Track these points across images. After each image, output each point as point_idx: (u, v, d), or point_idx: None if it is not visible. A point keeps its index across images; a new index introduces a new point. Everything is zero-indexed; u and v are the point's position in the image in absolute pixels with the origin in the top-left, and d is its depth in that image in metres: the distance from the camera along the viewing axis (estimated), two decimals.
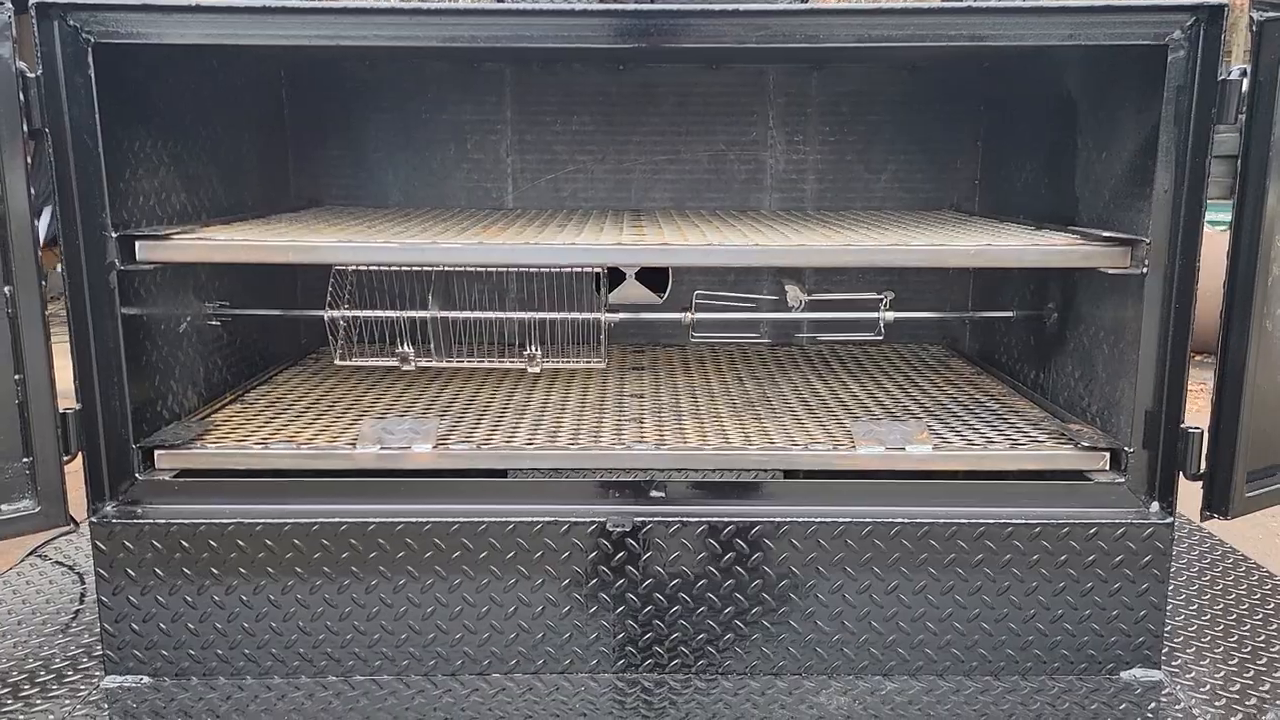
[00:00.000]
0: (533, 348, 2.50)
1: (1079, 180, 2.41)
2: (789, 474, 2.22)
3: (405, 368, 2.51)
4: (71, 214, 1.94)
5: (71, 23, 1.88)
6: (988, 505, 2.05)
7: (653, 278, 3.26)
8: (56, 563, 2.72)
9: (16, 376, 1.88)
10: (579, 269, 2.71)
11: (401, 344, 2.47)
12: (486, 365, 2.66)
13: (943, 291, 3.22)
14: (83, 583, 2.59)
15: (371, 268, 2.66)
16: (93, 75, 1.91)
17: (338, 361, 2.52)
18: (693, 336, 2.67)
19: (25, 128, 1.82)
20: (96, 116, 1.93)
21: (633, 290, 3.27)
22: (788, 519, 2.06)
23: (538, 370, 2.55)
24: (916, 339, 3.28)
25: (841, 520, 2.06)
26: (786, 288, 3.09)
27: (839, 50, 2.24)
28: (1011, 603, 2.06)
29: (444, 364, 2.52)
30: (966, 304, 3.21)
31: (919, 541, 2.05)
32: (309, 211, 2.91)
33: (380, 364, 2.53)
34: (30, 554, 2.76)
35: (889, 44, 1.95)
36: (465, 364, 2.57)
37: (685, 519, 2.07)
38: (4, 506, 1.91)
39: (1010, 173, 2.88)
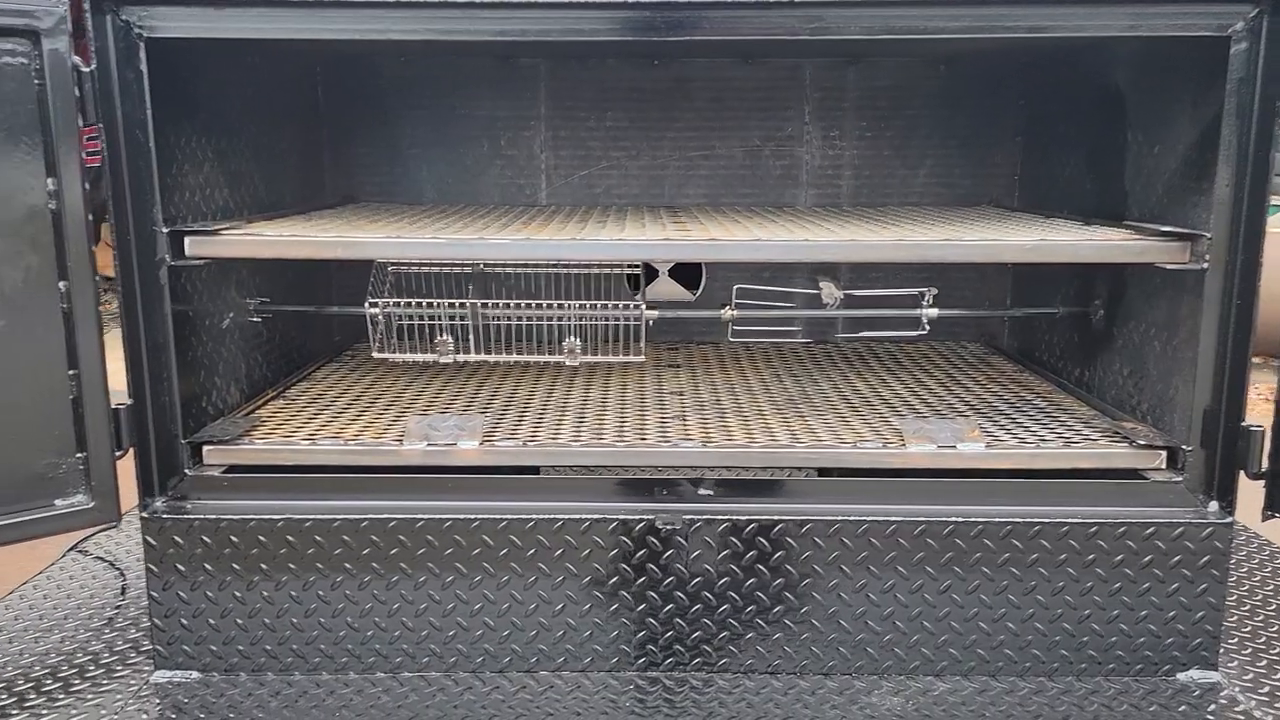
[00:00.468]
0: (573, 338, 2.50)
1: (1129, 175, 2.38)
2: (837, 472, 2.20)
3: (444, 360, 2.51)
4: (124, 209, 1.93)
5: (124, 18, 1.88)
6: (1043, 504, 2.03)
7: (686, 274, 3.25)
8: (97, 558, 2.72)
9: (71, 372, 1.88)
10: (624, 264, 2.71)
11: (439, 337, 2.48)
12: (526, 359, 2.65)
13: (981, 288, 3.19)
14: (123, 577, 2.60)
15: (416, 263, 2.67)
16: (145, 70, 1.90)
17: (376, 355, 2.52)
18: (733, 331, 2.66)
19: (80, 123, 1.82)
20: (148, 112, 1.93)
21: (666, 287, 3.26)
22: (837, 517, 2.05)
23: (576, 364, 2.54)
24: (954, 336, 3.26)
25: (893, 519, 2.04)
26: (821, 284, 3.07)
27: (886, 43, 2.22)
28: (1066, 603, 2.04)
29: (484, 358, 2.52)
30: (1005, 301, 3.18)
31: (972, 541, 2.03)
32: (346, 208, 2.91)
33: (421, 358, 2.53)
34: (71, 549, 2.77)
35: (943, 36, 1.93)
36: (505, 359, 2.56)
37: (734, 517, 2.05)
38: (58, 501, 1.91)
39: (1052, 167, 2.85)
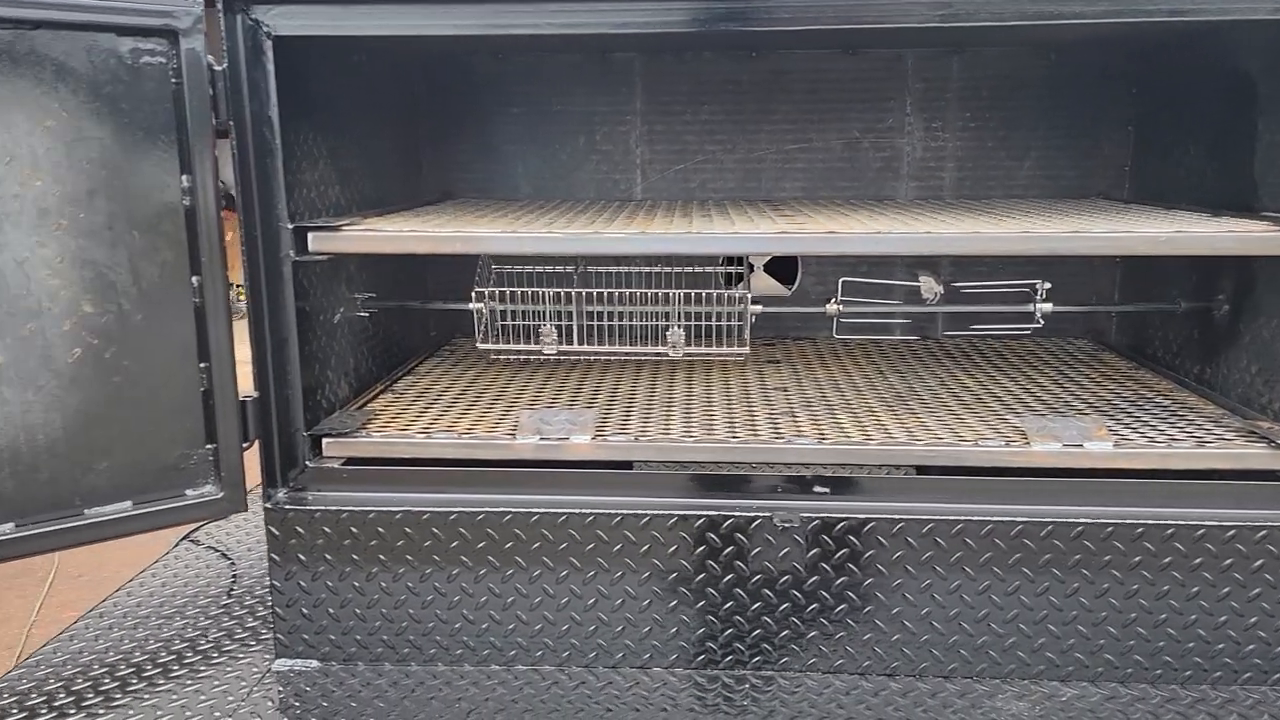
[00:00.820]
0: (676, 328, 2.49)
1: (1259, 164, 2.28)
2: (942, 470, 2.14)
3: (548, 353, 2.52)
4: (251, 206, 1.97)
5: (254, 16, 1.91)
6: (1177, 506, 1.96)
7: (782, 269, 3.21)
8: (209, 548, 2.79)
9: (202, 365, 1.93)
10: (732, 259, 2.69)
11: (544, 329, 2.50)
12: (630, 354, 2.65)
13: (1088, 282, 3.09)
14: (234, 567, 2.66)
15: (519, 258, 2.69)
16: (272, 69, 1.94)
17: (481, 347, 2.54)
18: (838, 325, 2.62)
19: (214, 121, 1.86)
20: (275, 110, 1.96)
21: (761, 281, 3.23)
22: (960, 517, 2.00)
23: (679, 356, 2.53)
24: (1059, 333, 3.16)
25: (1019, 520, 1.99)
26: (921, 279, 3.01)
27: (1010, 30, 2.16)
28: (1201, 608, 1.97)
29: (588, 351, 2.52)
30: (1112, 295, 3.08)
31: (1102, 543, 1.97)
32: (447, 204, 2.93)
33: (525, 349, 2.54)
34: (182, 539, 2.84)
35: (1078, 20, 1.87)
36: (609, 353, 2.56)
37: (851, 514, 2.02)
38: (189, 491, 1.96)
39: (1169, 158, 2.75)
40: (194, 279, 1.89)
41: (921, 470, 2.17)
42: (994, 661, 2.03)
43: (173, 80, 1.82)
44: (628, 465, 2.26)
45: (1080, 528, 1.96)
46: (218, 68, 1.86)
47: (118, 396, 1.86)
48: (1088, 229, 2.05)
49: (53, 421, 1.81)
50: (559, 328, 2.54)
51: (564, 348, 2.50)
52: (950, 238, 2.04)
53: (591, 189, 3.17)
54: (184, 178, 1.85)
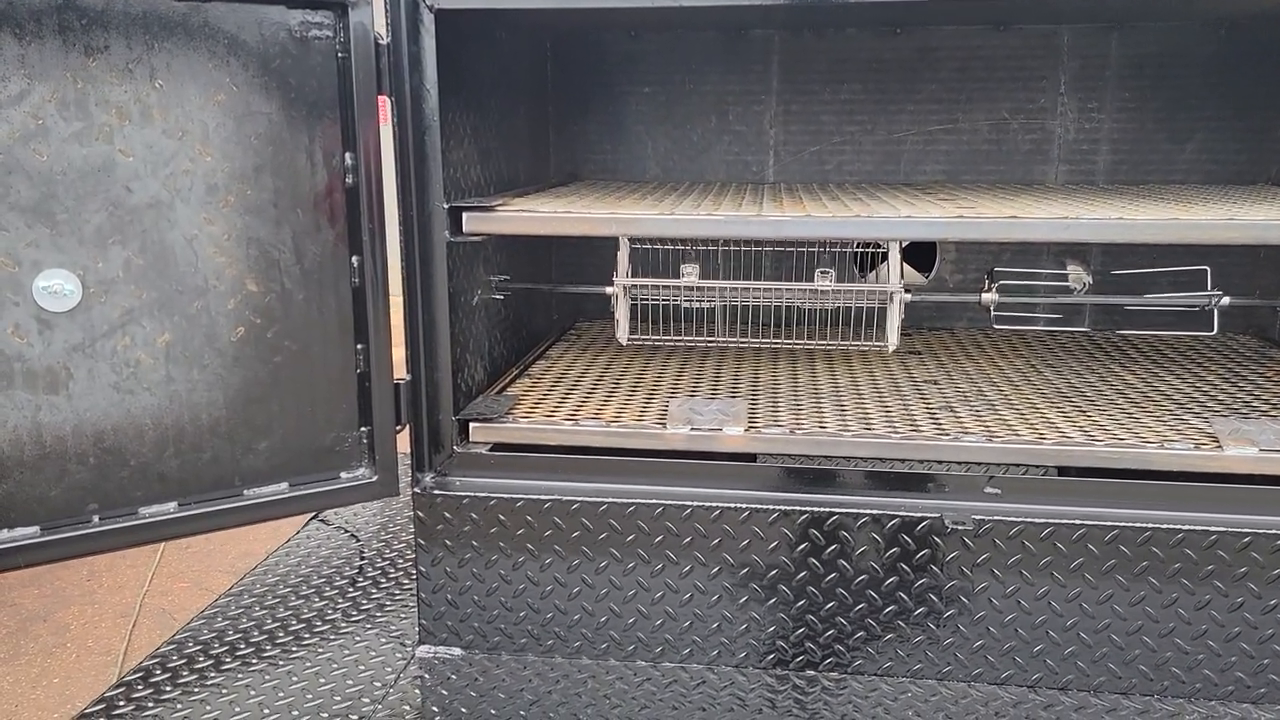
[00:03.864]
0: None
1: None
2: (1138, 474, 2.00)
3: (689, 342, 2.45)
4: (409, 185, 1.93)
5: None
6: None
7: (919, 256, 3.08)
8: (338, 528, 2.79)
9: (359, 346, 1.90)
10: (875, 244, 2.58)
11: (675, 319, 2.42)
12: (779, 344, 2.56)
13: (1252, 275, 2.89)
14: (363, 549, 2.65)
15: (652, 241, 2.61)
16: (434, 43, 1.89)
17: (621, 337, 2.48)
18: (995, 316, 2.48)
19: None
20: (435, 86, 1.91)
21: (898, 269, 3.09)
22: (1148, 524, 1.87)
23: (830, 348, 2.43)
24: (1220, 327, 2.96)
25: (1214, 530, 1.84)
26: (1069, 268, 2.85)
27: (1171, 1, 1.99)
28: None
29: (736, 342, 2.44)
30: (1279, 290, 2.88)
31: None
32: (579, 184, 2.87)
33: (667, 341, 2.47)
34: (312, 518, 2.85)
35: None
36: (757, 343, 2.48)
37: (1026, 519, 1.90)
38: (343, 474, 1.93)
39: None
40: (354, 259, 1.86)
41: (1089, 473, 2.04)
42: (1214, 680, 1.89)
43: (339, 54, 1.78)
44: (752, 458, 2.17)
45: None
46: (383, 41, 1.82)
47: (277, 377, 1.84)
48: None
49: (215, 401, 1.80)
50: (695, 312, 2.46)
51: (710, 339, 2.42)
52: (1145, 224, 1.89)
53: (722, 170, 3.08)
54: (347, 155, 1.82)
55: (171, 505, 1.80)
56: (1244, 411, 2.16)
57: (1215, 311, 2.35)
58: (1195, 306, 2.47)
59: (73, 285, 1.64)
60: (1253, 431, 1.95)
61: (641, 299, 2.55)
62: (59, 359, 1.65)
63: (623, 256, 2.52)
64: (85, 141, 1.60)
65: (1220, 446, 1.93)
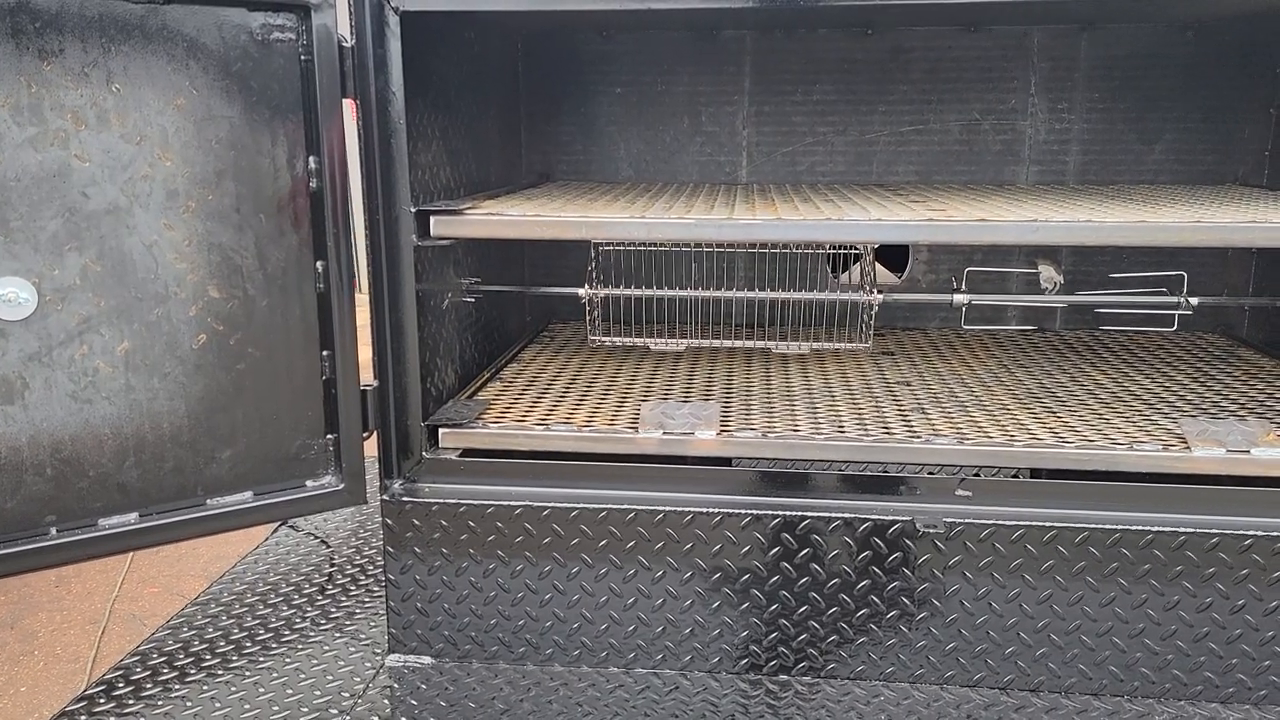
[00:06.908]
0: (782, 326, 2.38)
1: None
2: (1108, 475, 2.01)
3: (660, 345, 2.43)
4: (374, 188, 1.90)
5: None
6: None
7: (891, 257, 3.08)
8: (308, 534, 2.76)
9: (324, 353, 1.87)
10: (857, 246, 2.58)
11: (648, 322, 2.41)
12: (751, 345, 2.55)
13: (1220, 275, 2.92)
14: (333, 555, 2.62)
15: (625, 244, 2.60)
16: (400, 45, 1.86)
17: (594, 339, 2.46)
18: (966, 316, 2.49)
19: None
20: (400, 89, 1.88)
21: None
22: (1117, 525, 1.87)
23: (803, 352, 2.43)
24: (1186, 326, 2.99)
25: (1182, 531, 1.85)
26: (1040, 268, 2.86)
27: (1140, 3, 2.00)
28: None
29: (709, 343, 2.43)
30: (1247, 288, 2.90)
31: (1275, 558, 1.82)
32: (551, 186, 2.85)
33: (636, 342, 2.46)
34: (281, 524, 2.82)
35: None
36: (730, 344, 2.47)
37: (997, 521, 1.90)
38: (309, 482, 1.91)
39: None
40: (319, 264, 1.83)
41: (1059, 474, 2.05)
42: (1220, 681, 1.91)
43: (302, 58, 1.75)
44: (727, 462, 2.16)
45: (1249, 540, 1.82)
46: (348, 44, 1.79)
47: (241, 384, 1.81)
48: (1268, 219, 1.89)
49: (177, 409, 1.77)
50: (669, 314, 2.45)
51: (684, 341, 2.41)
52: (1113, 227, 1.89)
53: (695, 171, 3.07)
54: (311, 159, 1.79)
55: (132, 516, 1.76)
56: (1212, 412, 2.18)
57: (1182, 308, 2.36)
58: (1164, 309, 2.48)
59: (28, 293, 1.60)
60: (1220, 432, 1.96)
61: (615, 300, 2.54)
62: (14, 368, 1.62)
63: (594, 260, 2.51)
64: (40, 147, 1.57)
65: (1188, 448, 1.94)
